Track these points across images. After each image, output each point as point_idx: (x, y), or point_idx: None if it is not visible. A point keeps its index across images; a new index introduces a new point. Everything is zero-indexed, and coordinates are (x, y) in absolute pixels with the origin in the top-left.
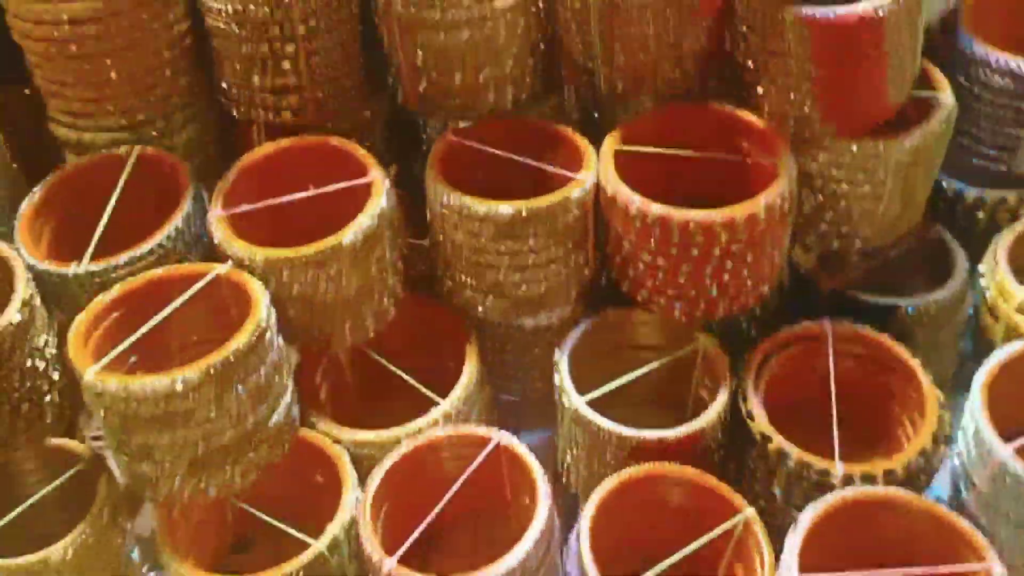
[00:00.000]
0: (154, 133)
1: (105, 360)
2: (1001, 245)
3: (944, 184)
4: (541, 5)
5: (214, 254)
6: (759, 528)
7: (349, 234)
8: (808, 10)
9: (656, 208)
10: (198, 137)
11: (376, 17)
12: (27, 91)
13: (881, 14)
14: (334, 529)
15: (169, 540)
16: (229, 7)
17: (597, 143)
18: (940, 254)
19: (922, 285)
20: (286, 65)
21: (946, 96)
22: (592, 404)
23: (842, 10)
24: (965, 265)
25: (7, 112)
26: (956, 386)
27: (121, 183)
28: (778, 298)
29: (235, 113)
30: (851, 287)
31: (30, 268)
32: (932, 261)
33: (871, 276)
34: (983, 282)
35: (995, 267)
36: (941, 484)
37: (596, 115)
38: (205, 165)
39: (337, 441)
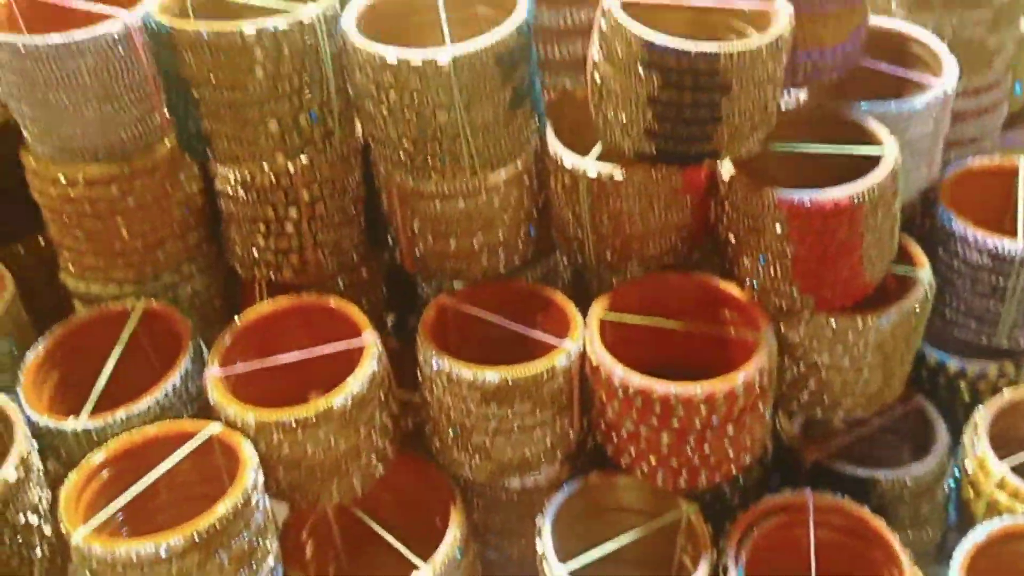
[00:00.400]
0: (160, 287)
1: (93, 523)
2: (981, 419)
3: (926, 354)
4: (534, 178)
5: (209, 409)
6: None
7: (339, 398)
8: (785, 194)
9: (638, 380)
10: (204, 290)
11: (377, 182)
12: (41, 241)
13: (856, 201)
14: None
15: None
16: (237, 174)
17: (586, 304)
18: (923, 425)
19: (907, 455)
20: (289, 228)
21: (924, 273)
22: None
23: (818, 195)
24: (946, 439)
25: (22, 261)
26: (941, 556)
27: (124, 337)
28: (761, 467)
29: (239, 271)
30: (834, 457)
31: (30, 422)
32: (915, 431)
33: (855, 445)
34: (964, 456)
35: (975, 442)
36: None
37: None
38: (209, 315)
39: None
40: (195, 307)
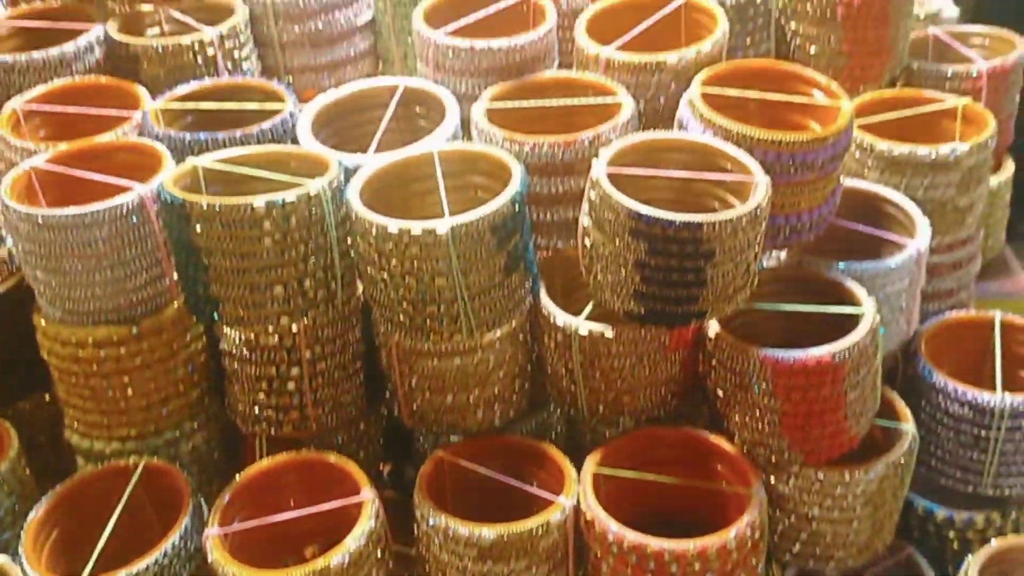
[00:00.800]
0: (162, 442)
1: None
2: (971, 569)
3: (914, 503)
4: (528, 334)
5: (207, 569)
6: None
7: (336, 557)
8: (770, 353)
9: (632, 536)
10: (204, 444)
11: (376, 340)
12: (47, 397)
13: (838, 359)
14: None
15: None
16: (242, 334)
17: (579, 455)
18: (914, 574)
19: None
20: (291, 386)
21: (908, 426)
22: None
23: (801, 354)
24: None
25: (27, 418)
26: None
27: (126, 496)
28: None
29: (240, 426)
30: None
31: None
32: None
33: None
34: None
35: None
36: None
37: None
38: (208, 468)
39: None
40: (195, 461)
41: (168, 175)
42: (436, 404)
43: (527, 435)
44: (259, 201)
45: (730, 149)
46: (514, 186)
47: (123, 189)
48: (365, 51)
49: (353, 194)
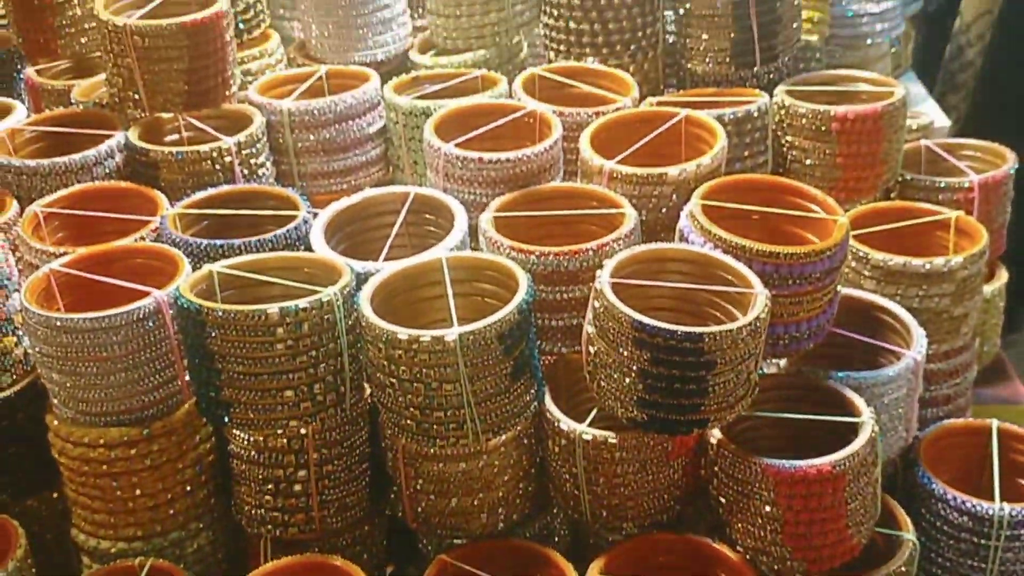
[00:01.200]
0: (167, 543)
1: None
2: None
3: None
4: (532, 438)
5: None
6: None
7: None
8: (771, 462)
9: None
10: (208, 544)
11: (383, 443)
12: (55, 495)
13: (839, 469)
14: None
15: None
16: (251, 437)
17: (583, 561)
18: None
19: None
20: (297, 488)
21: (909, 535)
22: None
23: (803, 464)
24: None
25: (34, 516)
26: None
27: None
28: None
29: (246, 528)
30: None
31: None
32: None
33: None
34: None
35: None
36: None
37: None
38: (212, 570)
39: None
40: (199, 561)
41: (184, 280)
42: (440, 507)
43: (531, 538)
44: (273, 308)
45: (730, 261)
46: (521, 295)
47: (140, 293)
48: (377, 157)
49: (364, 301)
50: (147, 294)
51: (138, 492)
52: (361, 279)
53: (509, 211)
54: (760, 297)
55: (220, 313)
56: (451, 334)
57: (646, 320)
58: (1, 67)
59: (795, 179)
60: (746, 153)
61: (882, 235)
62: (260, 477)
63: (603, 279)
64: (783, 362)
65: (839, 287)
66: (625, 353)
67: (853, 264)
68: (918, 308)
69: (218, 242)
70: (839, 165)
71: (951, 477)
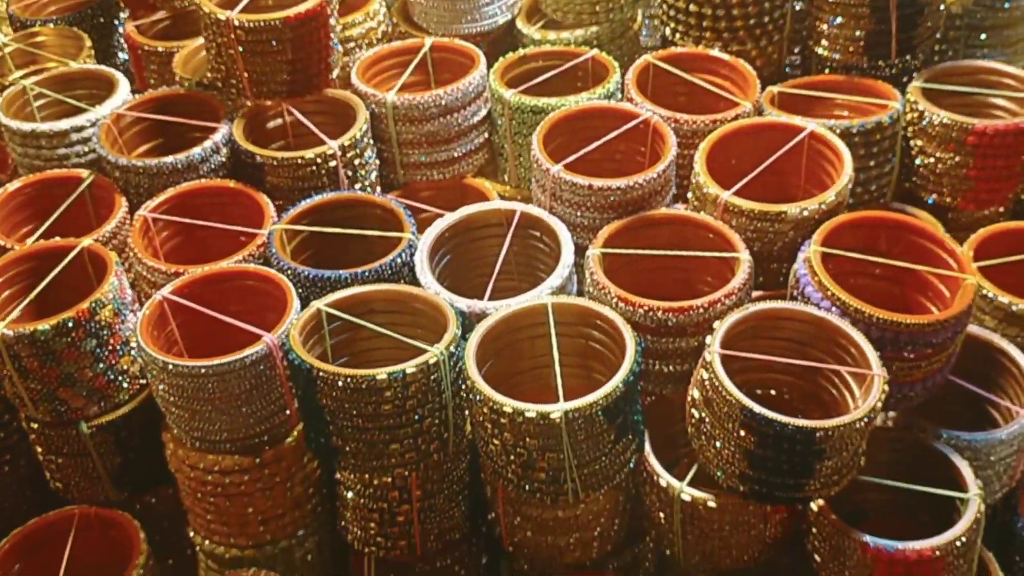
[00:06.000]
0: (278, 550)
1: None
2: None
3: None
4: (631, 483)
5: None
6: None
7: None
8: (871, 540)
9: None
10: (316, 550)
11: (482, 475)
12: (171, 491)
13: (940, 553)
14: None
15: None
16: (357, 474)
17: None
18: None
19: None
20: (400, 519)
21: None
22: None
23: (904, 546)
24: None
25: (153, 510)
26: None
27: None
28: None
29: (352, 545)
30: None
31: None
32: None
33: None
34: None
35: None
36: None
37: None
38: (319, 574)
39: None
40: (307, 565)
41: (294, 324)
42: (537, 542)
43: (619, 568)
44: (381, 374)
45: (849, 330)
46: (627, 366)
47: (253, 335)
48: (480, 145)
49: (470, 358)
50: (258, 336)
51: (250, 509)
52: (466, 319)
53: (618, 241)
54: (878, 380)
55: (330, 375)
56: (556, 411)
57: (756, 408)
58: (99, 15)
59: (922, 184)
60: (872, 163)
61: (1008, 265)
62: (365, 507)
63: (713, 350)
64: (892, 412)
65: (959, 345)
66: (732, 431)
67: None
68: None
69: (325, 274)
70: (971, 177)
71: None
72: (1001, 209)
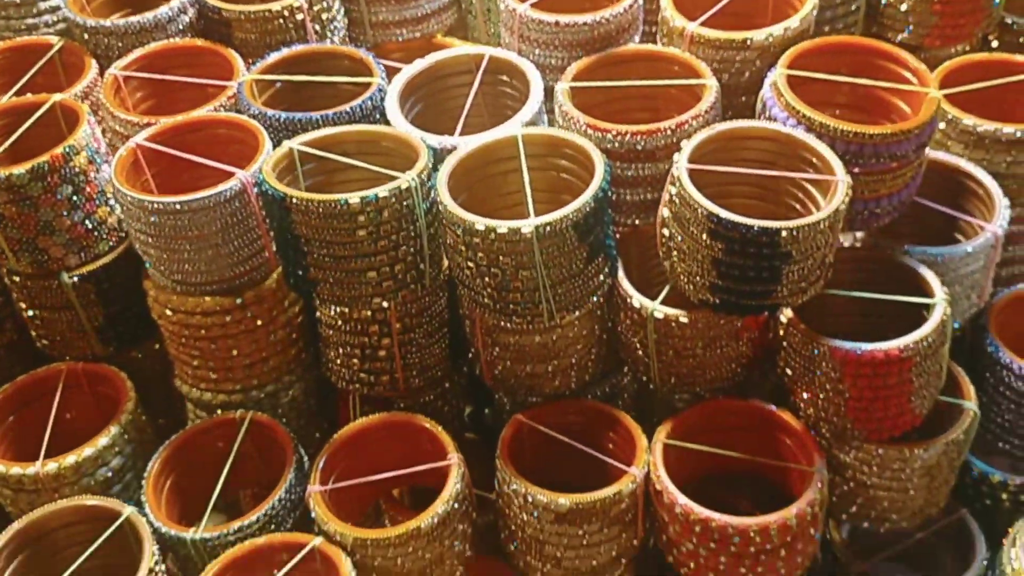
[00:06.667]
0: (264, 395)
1: None
2: (1020, 533)
3: (971, 465)
4: (605, 309)
5: (309, 515)
6: None
7: (427, 520)
8: (839, 345)
9: (698, 510)
10: (302, 395)
11: (461, 310)
12: (157, 346)
13: (907, 353)
14: None
15: None
16: (336, 309)
17: (649, 417)
18: (965, 534)
19: (949, 559)
20: (382, 353)
21: (971, 404)
22: None
23: (871, 347)
24: (985, 553)
25: (138, 365)
26: None
27: (235, 448)
28: (810, 573)
29: (336, 384)
30: (878, 566)
31: (153, 529)
32: (958, 538)
33: (900, 552)
34: (1001, 568)
35: (1013, 556)
36: None
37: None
38: (306, 416)
39: None
40: (294, 409)
41: (267, 160)
42: (516, 371)
43: (599, 397)
44: (354, 198)
45: (813, 142)
46: (596, 183)
47: (226, 173)
48: (448, 3)
49: (441, 185)
50: (231, 174)
51: (235, 353)
52: (438, 155)
53: (586, 78)
54: (841, 185)
55: (303, 202)
56: (527, 226)
57: (722, 213)
58: None
59: (889, 24)
60: (838, 1)
61: (974, 93)
62: (347, 343)
63: (680, 165)
64: (860, 233)
65: (924, 162)
66: (699, 241)
67: (941, 126)
68: (1004, 173)
69: (296, 116)
70: (936, 12)
71: (1019, 341)
72: (968, 48)
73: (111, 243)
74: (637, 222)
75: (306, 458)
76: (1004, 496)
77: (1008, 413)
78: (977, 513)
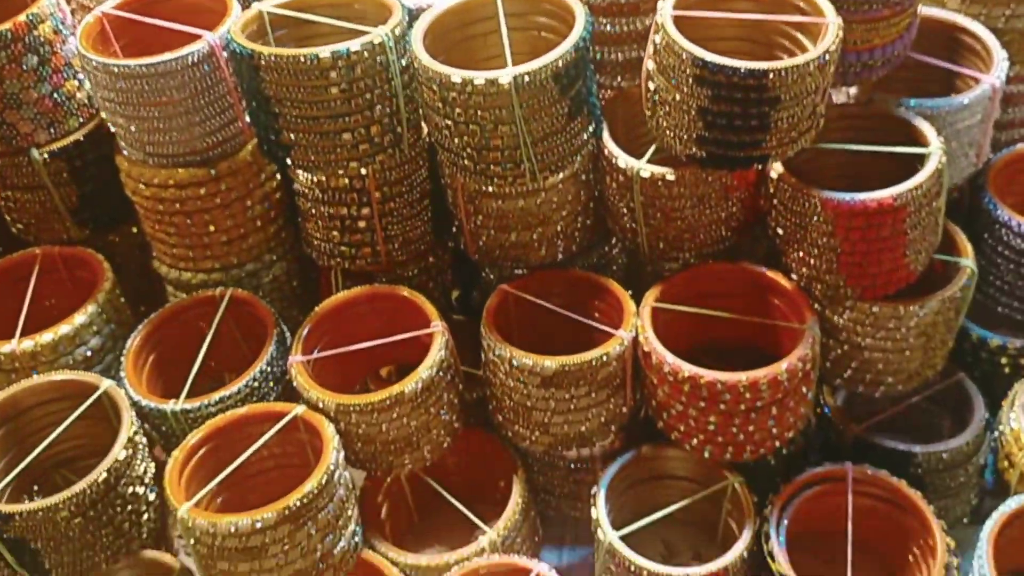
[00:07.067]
0: (244, 273)
1: (196, 498)
2: (1020, 393)
3: (969, 330)
4: (590, 173)
5: (292, 389)
6: None
7: (411, 384)
8: (831, 195)
9: (687, 368)
10: (283, 274)
11: (442, 179)
12: (134, 229)
13: (900, 202)
14: None
15: None
16: (313, 178)
17: (639, 286)
18: (963, 398)
19: (946, 425)
20: (362, 224)
21: (968, 261)
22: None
23: (863, 196)
24: (983, 413)
25: (116, 249)
26: (976, 518)
27: (215, 324)
28: (805, 438)
29: (316, 260)
30: (874, 430)
31: (134, 403)
32: (956, 403)
33: (896, 416)
34: (1000, 429)
35: (1012, 415)
36: None
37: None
38: (288, 296)
39: (394, 563)
40: (275, 290)
41: (235, 21)
42: (501, 241)
43: (589, 268)
44: (324, 52)
45: None
46: (577, 32)
47: (193, 37)
48: None
49: (416, 42)
50: (199, 37)
51: (211, 228)
52: (413, 16)
53: None
54: (832, 26)
55: (272, 58)
56: (505, 76)
57: (708, 56)
58: None
59: None
60: None
61: None
62: (325, 214)
63: (664, 11)
64: (853, 90)
65: (918, 11)
66: (685, 90)
67: None
68: (1002, 28)
69: None
70: None
71: (1018, 202)
72: None
73: (81, 119)
74: (623, 83)
75: (288, 334)
76: (1003, 361)
77: (1008, 274)
78: (976, 381)
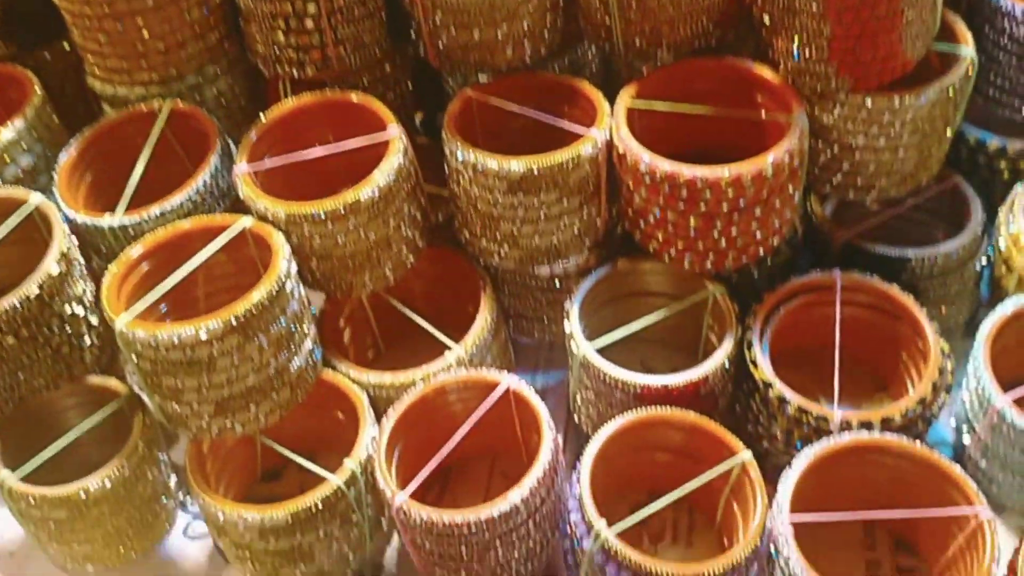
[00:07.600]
0: (185, 88)
1: (136, 309)
2: (1020, 196)
3: (966, 133)
4: None
5: (240, 205)
6: (754, 470)
7: (366, 190)
8: None
9: (665, 165)
10: (228, 90)
11: None
12: (66, 46)
13: None
14: (351, 465)
15: (199, 472)
16: None
17: (614, 97)
18: (959, 203)
19: (940, 234)
20: (308, 24)
21: (967, 50)
22: (604, 347)
23: None
24: (981, 216)
25: (49, 67)
26: (970, 331)
27: (154, 137)
28: (790, 248)
29: (262, 68)
30: (865, 237)
31: (68, 220)
32: (951, 210)
33: (887, 225)
34: (998, 233)
35: (1011, 218)
36: (947, 427)
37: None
38: (235, 115)
39: (357, 382)
40: (221, 107)
41: None
42: (463, 41)
43: (560, 72)
44: None
45: None
46: None
47: None
48: None
49: None
50: None
51: (146, 34)
52: None
53: None
54: None
55: None
56: None
57: None
58: None
59: None
60: None
61: None
62: (269, 13)
63: None
64: None
65: None
66: None
67: None
68: None
69: None
70: None
71: None
72: None
73: None
74: None
75: (235, 149)
76: (1002, 165)
77: (1010, 70)
78: (973, 187)
